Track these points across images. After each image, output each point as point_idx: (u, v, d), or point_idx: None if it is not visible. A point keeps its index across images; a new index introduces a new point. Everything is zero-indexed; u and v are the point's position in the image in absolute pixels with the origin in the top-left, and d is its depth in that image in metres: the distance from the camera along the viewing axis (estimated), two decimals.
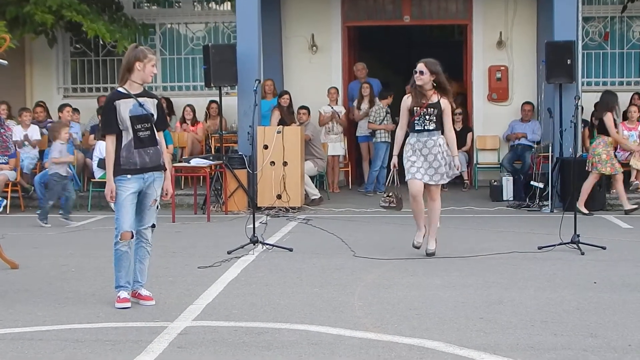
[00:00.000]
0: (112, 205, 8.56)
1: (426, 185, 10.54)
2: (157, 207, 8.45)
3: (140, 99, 8.20)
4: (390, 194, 11.08)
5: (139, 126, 8.15)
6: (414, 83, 10.59)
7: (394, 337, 7.03)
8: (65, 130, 14.57)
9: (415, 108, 10.51)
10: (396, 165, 10.75)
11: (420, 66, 10.46)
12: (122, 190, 8.15)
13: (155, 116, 8.27)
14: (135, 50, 8.23)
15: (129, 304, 8.27)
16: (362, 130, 18.07)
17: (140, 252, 8.42)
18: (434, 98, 10.51)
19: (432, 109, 10.47)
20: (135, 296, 8.39)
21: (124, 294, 8.33)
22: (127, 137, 8.14)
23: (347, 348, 6.77)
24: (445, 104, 10.51)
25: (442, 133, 10.59)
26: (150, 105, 8.27)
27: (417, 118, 10.51)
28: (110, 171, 8.15)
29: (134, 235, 8.29)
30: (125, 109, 8.11)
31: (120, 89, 8.25)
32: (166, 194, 8.46)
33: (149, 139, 8.23)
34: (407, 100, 10.60)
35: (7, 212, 15.77)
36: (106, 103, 8.28)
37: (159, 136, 8.37)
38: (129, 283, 8.38)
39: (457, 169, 10.70)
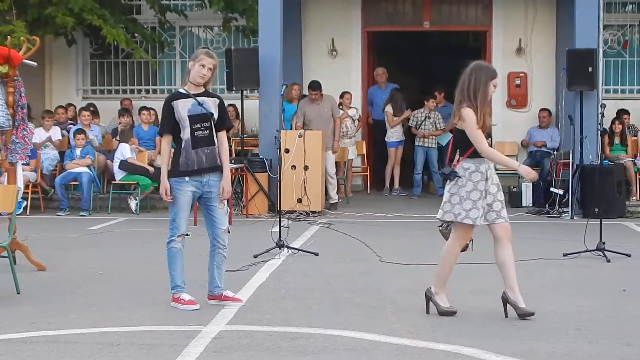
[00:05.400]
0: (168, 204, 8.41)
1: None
2: (227, 210, 8.47)
3: (200, 99, 8.21)
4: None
5: (197, 125, 8.16)
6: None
7: (430, 344, 7.03)
8: None
9: None
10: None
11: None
12: (180, 193, 8.20)
13: (215, 115, 8.27)
14: (195, 51, 8.33)
15: (197, 306, 8.26)
16: (395, 135, 18.19)
17: (217, 258, 8.45)
18: None
19: None
20: (222, 299, 8.42)
21: (187, 295, 8.32)
22: (185, 136, 8.18)
23: (384, 354, 6.78)
24: None
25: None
26: (211, 104, 8.27)
27: None
28: (165, 170, 8.21)
29: (210, 240, 8.42)
30: (183, 108, 8.15)
31: (180, 90, 8.34)
32: (221, 192, 8.35)
33: (207, 139, 8.23)
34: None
35: (27, 213, 15.83)
36: (164, 103, 8.31)
37: (220, 136, 8.35)
38: (184, 283, 8.38)
39: None
